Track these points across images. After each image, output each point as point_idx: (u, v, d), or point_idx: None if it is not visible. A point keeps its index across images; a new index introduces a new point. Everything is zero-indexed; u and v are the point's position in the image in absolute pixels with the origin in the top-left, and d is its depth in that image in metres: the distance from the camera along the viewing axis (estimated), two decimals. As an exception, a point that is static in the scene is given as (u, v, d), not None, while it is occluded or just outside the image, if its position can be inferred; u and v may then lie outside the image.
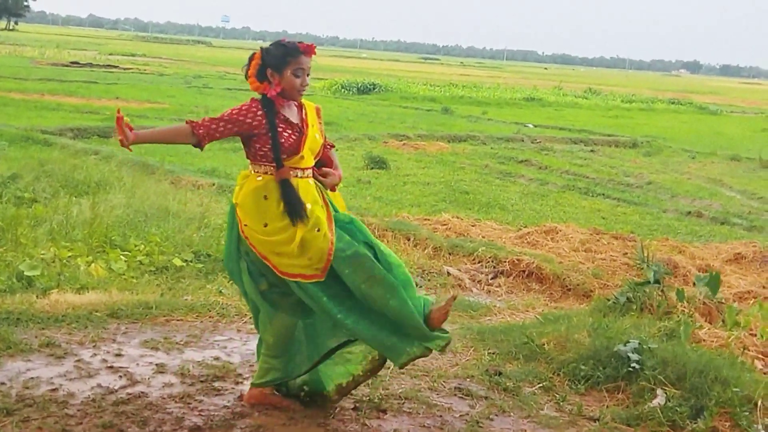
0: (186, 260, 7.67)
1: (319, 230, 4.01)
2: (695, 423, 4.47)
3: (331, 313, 4.05)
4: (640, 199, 14.56)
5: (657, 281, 6.62)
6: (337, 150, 12.05)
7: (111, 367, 4.75)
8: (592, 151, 21.80)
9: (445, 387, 4.88)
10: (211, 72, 47.13)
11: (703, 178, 18.02)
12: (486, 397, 4.76)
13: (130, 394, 4.40)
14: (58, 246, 7.41)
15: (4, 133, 15.20)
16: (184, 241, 8.10)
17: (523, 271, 8.55)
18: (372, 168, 15.32)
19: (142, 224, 8.55)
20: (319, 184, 4.22)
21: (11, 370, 4.57)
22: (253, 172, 4.09)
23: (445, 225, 10.48)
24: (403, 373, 5.01)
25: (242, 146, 4.17)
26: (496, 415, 4.56)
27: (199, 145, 4.04)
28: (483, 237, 10.00)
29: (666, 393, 4.73)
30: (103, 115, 20.59)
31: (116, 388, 4.46)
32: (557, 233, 10.21)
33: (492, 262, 8.80)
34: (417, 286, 7.86)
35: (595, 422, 4.57)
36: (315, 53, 4.12)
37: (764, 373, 5.41)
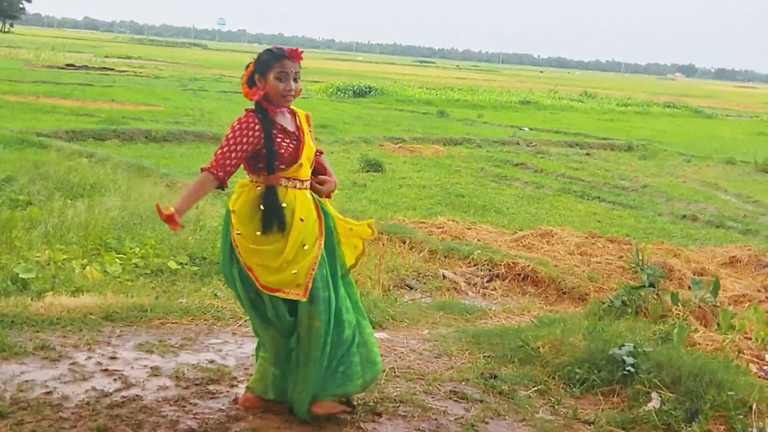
0: (181, 263, 7.66)
1: (305, 246, 4.00)
2: (690, 426, 4.47)
3: (289, 337, 4.14)
4: (635, 203, 14.58)
5: (652, 285, 6.62)
6: (332, 153, 12.03)
7: (106, 370, 4.74)
8: (587, 154, 21.84)
9: (440, 390, 4.87)
10: (206, 75, 47.11)
11: (699, 182, 18.05)
12: (481, 401, 4.75)
13: (125, 397, 4.38)
14: (53, 248, 7.41)
15: (-1, 136, 15.19)
16: (180, 244, 8.09)
17: (519, 275, 8.57)
18: (367, 171, 15.33)
19: (137, 227, 8.55)
20: (316, 195, 4.20)
21: (5, 372, 4.55)
22: (251, 182, 4.07)
23: (440, 228, 10.50)
24: (398, 377, 5.01)
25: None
26: (492, 419, 4.55)
27: (222, 186, 4.01)
28: (478, 240, 10.02)
29: (661, 396, 4.73)
30: (99, 117, 20.59)
31: (111, 391, 4.44)
32: (553, 236, 10.23)
33: (487, 265, 8.81)
34: (412, 289, 7.91)
35: (590, 425, 4.56)
36: (301, 58, 4.08)
37: (759, 377, 5.41)
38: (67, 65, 45.08)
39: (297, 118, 4.17)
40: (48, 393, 4.34)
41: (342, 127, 23.26)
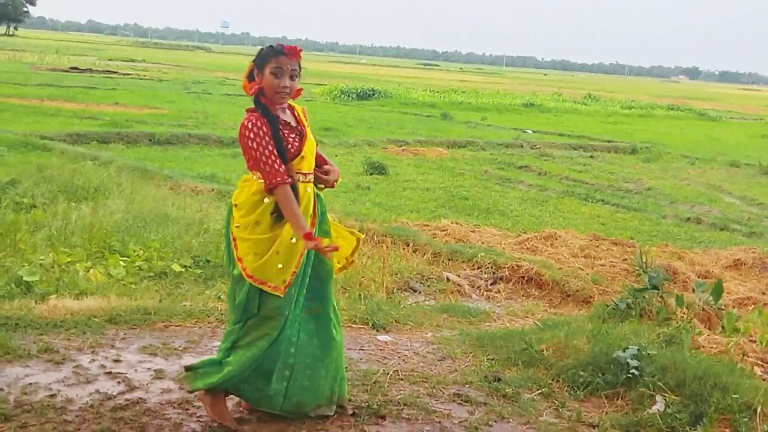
0: (185, 266, 7.66)
1: (293, 240, 4.01)
2: (695, 429, 4.47)
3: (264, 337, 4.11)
4: (639, 205, 14.56)
5: (656, 287, 6.61)
6: (336, 156, 12.04)
7: (109, 372, 4.74)
8: (591, 157, 21.82)
9: (444, 393, 4.87)
10: (210, 77, 47.14)
11: (703, 184, 18.02)
12: (485, 404, 4.75)
13: (129, 400, 4.39)
14: (57, 251, 7.41)
15: (3, 139, 15.20)
16: (183, 247, 8.09)
17: (523, 277, 8.55)
18: (371, 174, 15.33)
19: (141, 230, 8.55)
20: (316, 192, 4.21)
21: (9, 375, 4.56)
22: (254, 177, 4.09)
23: (444, 231, 10.48)
24: (401, 379, 5.01)
25: (243, 155, 4.15)
26: (495, 422, 4.54)
27: (293, 186, 4.03)
28: (482, 243, 10.00)
29: (665, 399, 4.72)
30: (102, 120, 20.61)
31: (114, 394, 4.45)
32: (556, 239, 10.21)
33: (491, 267, 8.80)
34: (416, 292, 7.90)
35: (594, 429, 4.56)
36: (299, 56, 4.09)
37: (763, 380, 5.40)
38: (71, 68, 45.16)
39: (295, 112, 4.19)
40: (52, 396, 4.34)
41: (345, 129, 23.26)
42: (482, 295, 8.22)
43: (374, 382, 4.88)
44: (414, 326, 6.37)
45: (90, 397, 4.37)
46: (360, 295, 7.13)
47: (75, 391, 4.43)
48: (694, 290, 7.36)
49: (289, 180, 4.00)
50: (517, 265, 8.70)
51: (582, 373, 5.09)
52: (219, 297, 6.69)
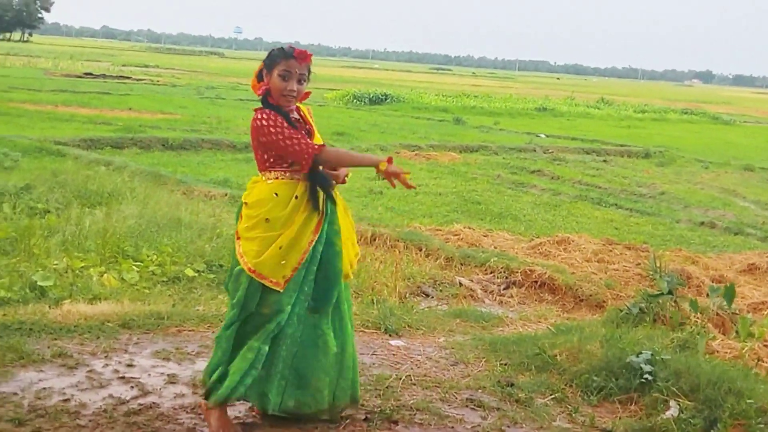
0: (198, 270, 7.68)
1: (301, 236, 4.03)
2: (709, 435, 4.44)
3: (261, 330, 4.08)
4: (652, 210, 14.51)
5: (670, 292, 6.58)
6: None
7: (123, 377, 4.75)
8: (604, 161, 21.77)
9: (456, 398, 4.86)
10: (223, 83, 47.29)
11: (717, 189, 17.95)
12: (498, 409, 4.74)
13: (142, 404, 4.39)
14: (71, 256, 7.44)
15: (18, 144, 15.29)
16: (196, 252, 8.12)
17: (536, 282, 8.54)
18: (384, 178, 15.30)
19: (155, 235, 8.58)
20: (324, 194, 4.20)
21: (23, 380, 4.57)
22: (263, 178, 4.10)
23: (457, 235, 10.48)
24: (414, 384, 5.00)
25: (255, 156, 4.15)
26: (508, 427, 4.53)
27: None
28: (495, 247, 9.99)
29: (679, 404, 4.69)
30: (116, 125, 20.70)
31: (128, 398, 4.45)
32: (570, 244, 10.19)
33: (504, 272, 8.79)
34: (428, 297, 7.90)
35: (607, 434, 4.54)
36: (308, 61, 4.08)
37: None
38: (85, 74, 45.38)
39: (301, 112, 4.21)
40: (65, 400, 4.36)
41: (358, 134, 23.28)
42: (495, 299, 8.21)
43: (387, 387, 4.88)
44: (426, 331, 6.36)
45: (103, 402, 4.38)
46: (372, 299, 7.14)
47: (88, 396, 4.44)
48: (708, 295, 7.33)
49: (320, 146, 4.00)
50: (529, 270, 8.68)
51: (595, 378, 5.07)
52: (232, 302, 6.69)
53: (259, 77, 4.13)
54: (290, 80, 4.03)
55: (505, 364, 5.50)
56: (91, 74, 45.22)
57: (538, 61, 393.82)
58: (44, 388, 4.48)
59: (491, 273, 8.83)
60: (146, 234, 8.57)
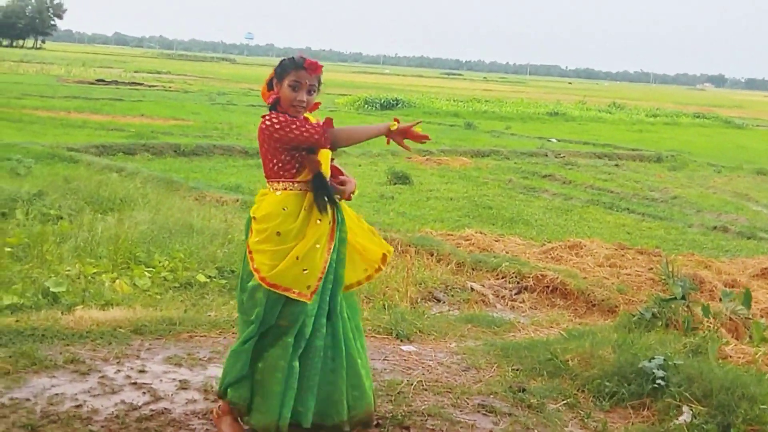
0: (210, 276, 7.70)
1: (318, 245, 4.01)
2: (722, 440, 4.42)
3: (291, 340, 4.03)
4: (665, 214, 14.47)
5: (683, 297, 6.56)
6: (359, 165, 12.03)
7: (135, 383, 4.76)
8: (616, 165, 21.72)
9: (468, 404, 4.85)
10: (235, 89, 47.42)
11: (729, 193, 17.88)
12: (510, 414, 4.72)
13: (154, 410, 4.40)
14: (83, 262, 7.47)
15: (31, 151, 15.37)
16: (208, 257, 8.14)
17: (547, 287, 8.52)
18: (395, 183, 15.34)
19: (167, 240, 8.60)
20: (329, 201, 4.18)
21: (36, 386, 4.59)
22: (271, 189, 4.08)
23: (468, 240, 10.47)
24: (426, 390, 4.99)
25: (263, 163, 4.14)
26: (520, 432, 4.52)
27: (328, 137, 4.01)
28: (507, 252, 9.97)
29: (692, 410, 4.68)
30: (128, 132, 20.78)
31: (140, 404, 4.46)
32: (581, 248, 10.17)
33: (516, 277, 8.77)
34: (440, 302, 7.89)
35: (620, 439, 4.53)
36: (319, 72, 4.08)
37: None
38: (98, 80, 45.64)
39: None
40: (78, 406, 4.37)
41: (369, 140, 23.27)
42: (507, 305, 8.20)
43: (398, 393, 4.87)
44: (438, 336, 6.35)
45: (115, 408, 4.39)
46: (384, 305, 7.14)
47: (100, 402, 4.45)
48: (720, 299, 7.31)
49: (328, 128, 3.98)
50: (541, 275, 8.66)
51: (607, 384, 5.06)
52: (243, 307, 6.70)
53: (270, 86, 4.13)
54: (300, 91, 4.02)
55: (517, 370, 5.49)
56: (103, 81, 45.45)
57: (549, 65, 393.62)
58: (57, 394, 4.49)
59: (503, 278, 8.81)
60: (158, 240, 8.60)
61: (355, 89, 50.60)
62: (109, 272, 7.39)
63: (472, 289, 8.35)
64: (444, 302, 7.98)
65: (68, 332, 5.48)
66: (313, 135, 3.93)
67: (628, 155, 23.98)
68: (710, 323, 6.48)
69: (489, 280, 8.79)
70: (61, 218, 9.37)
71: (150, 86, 44.22)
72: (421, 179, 16.33)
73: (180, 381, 4.84)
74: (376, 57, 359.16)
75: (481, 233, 10.99)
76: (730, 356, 5.92)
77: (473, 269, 9.07)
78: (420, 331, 6.36)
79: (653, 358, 5.10)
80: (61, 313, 5.95)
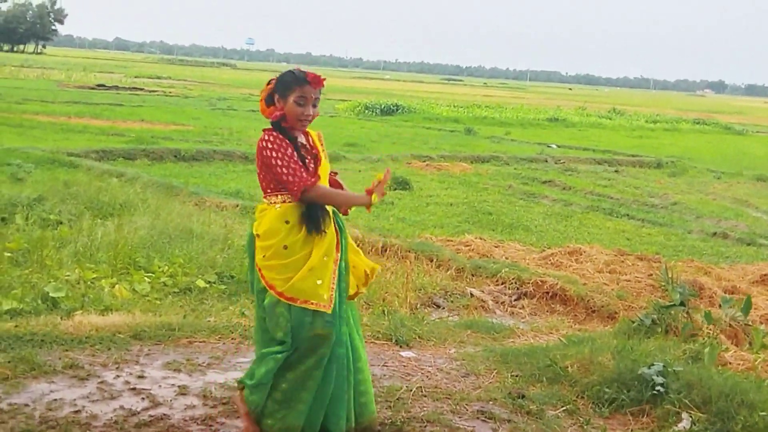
0: (209, 282, 7.70)
1: (325, 258, 4.01)
2: (721, 447, 4.42)
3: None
4: (664, 220, 14.47)
5: (682, 303, 6.56)
6: (359, 171, 12.05)
7: (134, 389, 4.76)
8: (616, 171, 21.73)
9: (467, 410, 4.84)
10: (235, 94, 47.43)
11: (729, 199, 17.88)
12: (509, 420, 4.72)
13: (153, 416, 4.40)
14: (83, 267, 7.47)
15: (31, 156, 15.36)
16: (208, 263, 8.14)
17: (547, 293, 8.52)
18: (395, 189, 15.34)
19: (166, 246, 8.60)
20: (333, 209, 4.19)
21: (35, 391, 4.59)
22: (269, 203, 4.07)
23: (468, 246, 10.47)
24: (425, 396, 4.99)
25: (258, 178, 4.12)
26: (519, 439, 4.51)
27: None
28: (506, 258, 9.98)
29: (691, 417, 4.67)
30: (128, 137, 20.78)
31: (139, 410, 4.46)
32: (581, 254, 10.16)
33: (515, 283, 8.77)
34: (439, 308, 7.89)
35: (619, 446, 4.52)
36: (323, 85, 4.09)
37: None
38: (98, 85, 45.61)
39: (310, 138, 4.19)
40: (76, 412, 4.36)
41: (369, 145, 23.30)
42: (506, 310, 8.20)
43: (397, 399, 4.87)
44: (437, 342, 6.35)
45: (114, 413, 4.39)
46: (383, 310, 7.13)
47: (99, 407, 4.45)
48: (720, 306, 7.30)
49: (315, 179, 3.99)
50: (541, 281, 8.66)
51: (607, 390, 5.05)
52: (243, 313, 6.71)
53: (269, 101, 4.12)
54: (306, 106, 4.03)
55: (517, 376, 5.48)
56: (103, 86, 45.44)
57: (549, 71, 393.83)
58: (55, 400, 4.49)
59: (502, 284, 8.81)
60: (158, 245, 8.60)
61: (355, 95, 50.63)
62: (108, 277, 7.38)
63: (472, 295, 8.36)
64: (443, 308, 7.98)
65: (67, 337, 5.48)
66: (290, 184, 3.95)
67: (628, 161, 24.00)
68: (710, 330, 6.48)
69: (488, 285, 8.79)
70: (61, 223, 9.37)
71: (150, 91, 44.21)
72: (421, 185, 16.33)
73: (179, 387, 4.84)
74: (376, 62, 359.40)
75: (480, 239, 10.99)
76: (730, 363, 5.92)
77: (473, 275, 9.07)
78: (419, 336, 6.35)
79: (653, 365, 5.10)
80: (61, 318, 5.95)
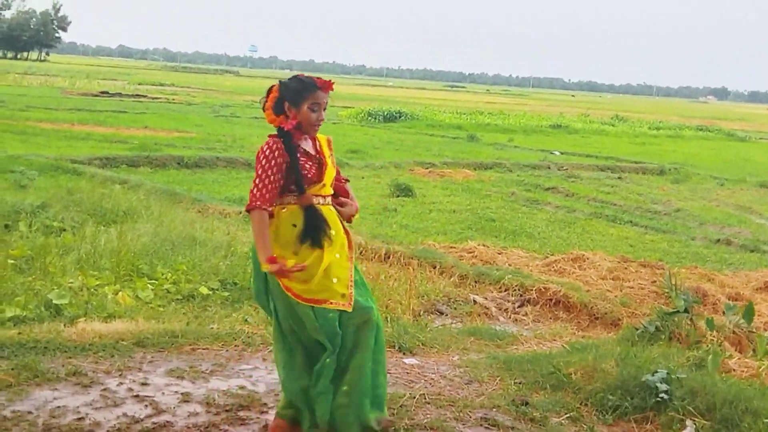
0: (212, 288, 7.70)
1: (338, 255, 4.06)
2: (726, 455, 4.41)
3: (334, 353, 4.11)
4: (668, 227, 14.44)
5: (686, 310, 6.55)
6: (363, 178, 12.05)
7: (137, 396, 4.76)
8: (619, 178, 21.71)
9: (471, 417, 4.83)
10: (238, 101, 47.50)
11: (732, 205, 17.86)
12: (512, 428, 4.71)
13: (156, 423, 4.40)
14: (86, 274, 7.47)
15: (35, 163, 15.38)
16: (211, 270, 8.13)
17: (550, 300, 8.50)
18: (398, 196, 15.34)
19: (169, 253, 8.60)
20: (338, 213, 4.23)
21: (38, 398, 4.59)
22: (276, 205, 4.08)
23: (471, 253, 10.46)
24: (428, 403, 4.98)
25: None
26: (523, 446, 4.51)
27: (271, 215, 4.03)
28: (509, 265, 9.96)
29: (695, 424, 4.66)
30: (132, 144, 20.80)
31: (142, 417, 4.46)
32: (584, 261, 10.15)
33: (518, 290, 8.76)
34: (442, 314, 7.88)
35: (623, 453, 4.51)
36: (332, 89, 4.14)
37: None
38: (102, 93, 45.72)
39: (318, 143, 4.20)
40: (80, 419, 4.36)
41: (372, 152, 23.31)
42: (509, 317, 8.18)
43: (401, 406, 4.87)
44: (441, 349, 6.34)
45: (117, 421, 4.39)
46: (386, 317, 7.12)
47: (103, 415, 4.45)
48: (724, 313, 7.29)
49: (269, 209, 4.00)
50: (544, 288, 8.65)
51: (610, 397, 5.05)
52: (246, 320, 6.71)
53: (278, 110, 4.12)
54: (319, 111, 4.12)
55: (520, 383, 5.48)
56: (107, 93, 45.53)
57: (552, 78, 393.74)
58: (59, 407, 4.49)
59: (506, 291, 8.80)
60: (161, 252, 8.60)
61: (358, 101, 50.67)
62: (111, 284, 7.39)
63: (475, 302, 8.34)
64: (447, 315, 7.97)
65: (71, 345, 5.49)
66: (251, 194, 4.04)
67: (631, 168, 23.98)
68: (714, 337, 6.47)
69: (492, 292, 8.78)
70: (64, 230, 9.38)
71: (153, 98, 44.30)
72: (424, 191, 16.32)
73: (182, 394, 4.84)
74: (379, 69, 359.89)
75: (483, 246, 10.98)
76: (734, 370, 5.91)
77: (476, 282, 9.06)
78: (422, 343, 6.35)
79: (656, 372, 5.09)
80: (64, 325, 5.95)
